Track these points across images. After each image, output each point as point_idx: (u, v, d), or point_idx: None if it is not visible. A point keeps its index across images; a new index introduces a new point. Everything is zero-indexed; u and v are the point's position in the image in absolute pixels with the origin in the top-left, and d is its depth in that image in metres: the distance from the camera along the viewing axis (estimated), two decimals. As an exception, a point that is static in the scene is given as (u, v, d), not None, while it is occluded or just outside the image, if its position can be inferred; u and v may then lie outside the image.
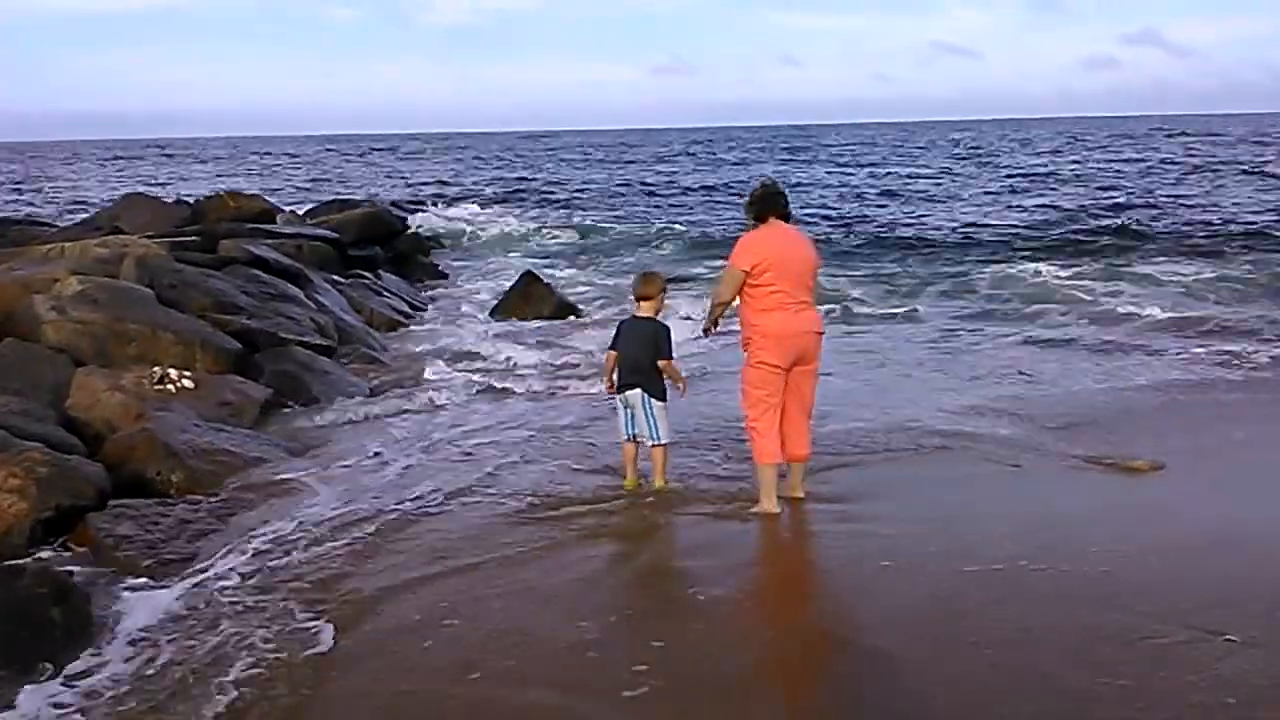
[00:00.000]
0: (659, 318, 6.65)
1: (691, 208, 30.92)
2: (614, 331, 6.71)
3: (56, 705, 4.12)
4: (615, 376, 6.51)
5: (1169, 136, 63.47)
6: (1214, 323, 12.32)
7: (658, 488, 6.48)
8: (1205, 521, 5.92)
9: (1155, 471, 6.80)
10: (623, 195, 35.89)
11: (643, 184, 40.04)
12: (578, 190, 38.28)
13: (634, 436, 6.49)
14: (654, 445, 6.46)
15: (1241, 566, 5.23)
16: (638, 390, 6.40)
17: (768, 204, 6.13)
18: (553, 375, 10.19)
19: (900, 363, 10.64)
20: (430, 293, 16.46)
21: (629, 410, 6.45)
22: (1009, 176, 36.95)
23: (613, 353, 6.55)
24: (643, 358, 6.41)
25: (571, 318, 13.80)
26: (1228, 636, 4.42)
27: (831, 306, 13.38)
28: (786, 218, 6.15)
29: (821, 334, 6.14)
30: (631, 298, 6.87)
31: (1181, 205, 25.65)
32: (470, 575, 5.29)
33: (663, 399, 6.44)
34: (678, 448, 6.85)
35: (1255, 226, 21.14)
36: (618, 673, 4.28)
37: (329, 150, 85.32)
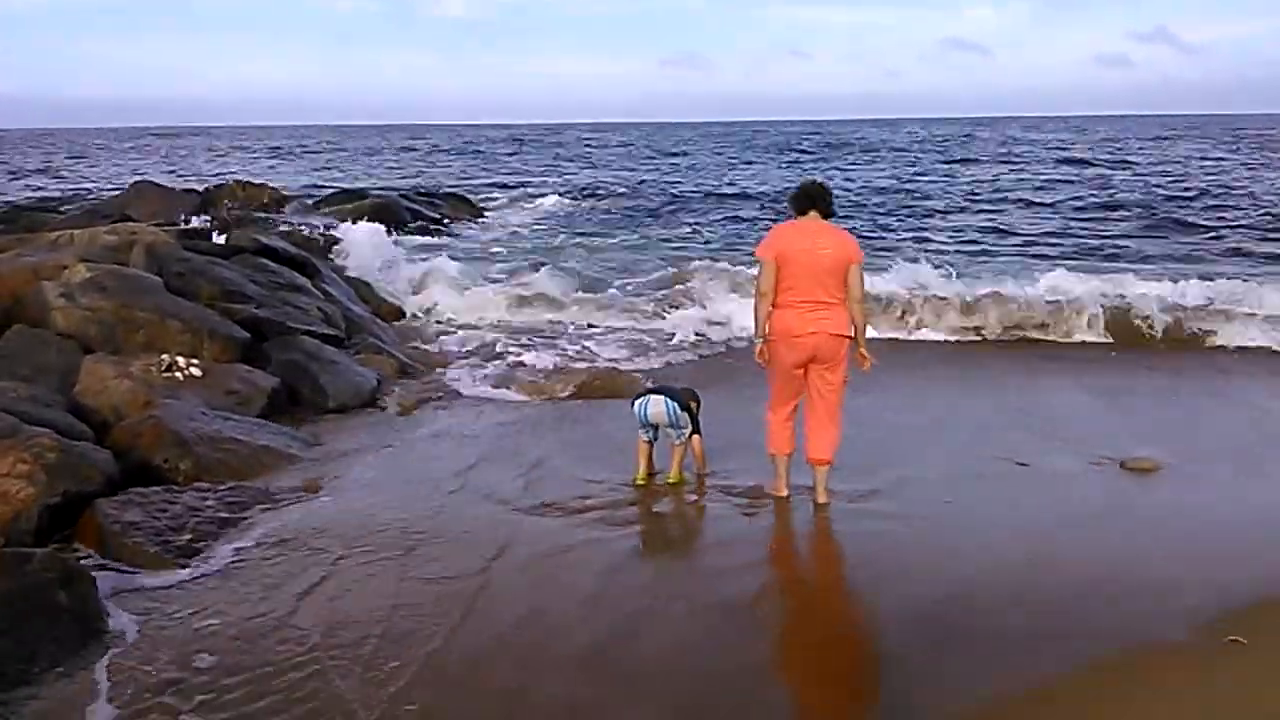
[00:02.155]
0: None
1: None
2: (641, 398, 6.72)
3: (66, 690, 4.14)
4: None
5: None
6: None
7: (671, 480, 6.55)
8: (1213, 521, 5.92)
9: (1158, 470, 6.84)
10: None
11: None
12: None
13: (652, 439, 6.58)
14: (676, 443, 6.56)
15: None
16: (663, 397, 6.50)
17: (806, 199, 6.11)
18: (562, 368, 10.18)
19: None
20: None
21: (650, 426, 6.53)
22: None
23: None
24: (680, 396, 6.56)
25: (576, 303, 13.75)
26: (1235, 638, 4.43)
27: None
28: (827, 214, 6.12)
29: (840, 336, 5.97)
30: None
31: None
32: (487, 569, 5.30)
33: (685, 410, 6.51)
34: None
35: None
36: (636, 664, 4.32)
37: (339, 140, 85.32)
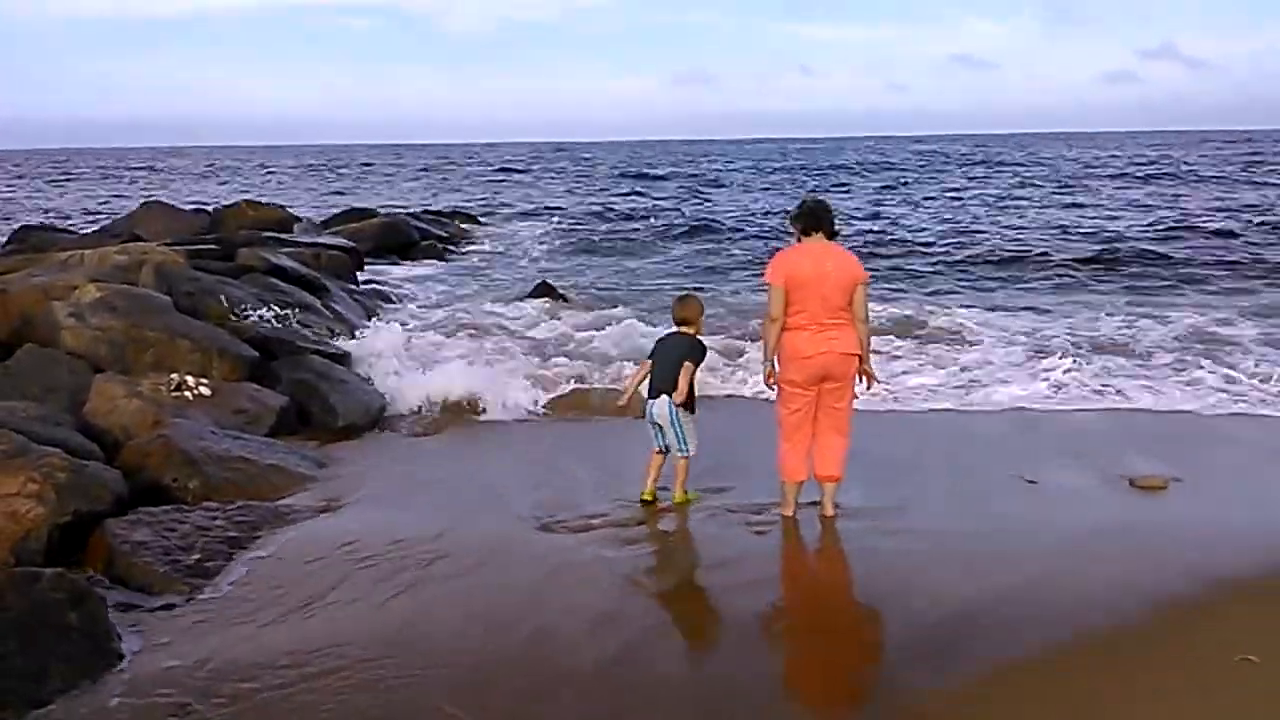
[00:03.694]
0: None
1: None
2: (652, 345, 6.69)
3: (77, 711, 4.12)
4: (646, 387, 6.49)
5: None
6: None
7: (677, 500, 6.48)
8: (1224, 538, 5.88)
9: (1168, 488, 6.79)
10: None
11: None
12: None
13: (664, 448, 6.48)
14: (681, 457, 6.45)
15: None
16: (664, 398, 6.33)
17: (812, 219, 6.11)
18: (566, 388, 10.13)
19: None
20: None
21: (656, 425, 6.42)
22: None
23: (647, 361, 6.55)
24: (674, 366, 6.33)
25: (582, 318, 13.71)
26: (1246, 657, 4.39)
27: None
28: (831, 235, 6.13)
29: (851, 355, 5.99)
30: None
31: None
32: (500, 585, 5.30)
33: (691, 410, 6.39)
34: (707, 461, 6.81)
35: None
36: (645, 680, 4.31)
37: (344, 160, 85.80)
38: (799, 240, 6.14)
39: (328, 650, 4.55)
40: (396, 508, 6.52)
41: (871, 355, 6.22)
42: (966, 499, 6.64)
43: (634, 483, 6.66)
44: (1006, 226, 25.00)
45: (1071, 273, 17.97)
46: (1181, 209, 27.94)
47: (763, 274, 6.23)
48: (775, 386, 6.17)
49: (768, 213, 29.51)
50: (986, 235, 23.32)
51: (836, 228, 6.19)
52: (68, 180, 57.37)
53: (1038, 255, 19.74)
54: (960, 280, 17.74)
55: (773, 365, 6.12)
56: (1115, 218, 26.20)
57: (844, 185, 42.64)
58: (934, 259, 20.03)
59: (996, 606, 4.95)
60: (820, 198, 6.43)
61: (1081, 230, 23.68)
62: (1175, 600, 5.01)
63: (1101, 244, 21.06)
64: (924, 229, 24.93)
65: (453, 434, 8.51)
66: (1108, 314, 13.64)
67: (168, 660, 4.50)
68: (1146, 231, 23.05)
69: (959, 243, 22.17)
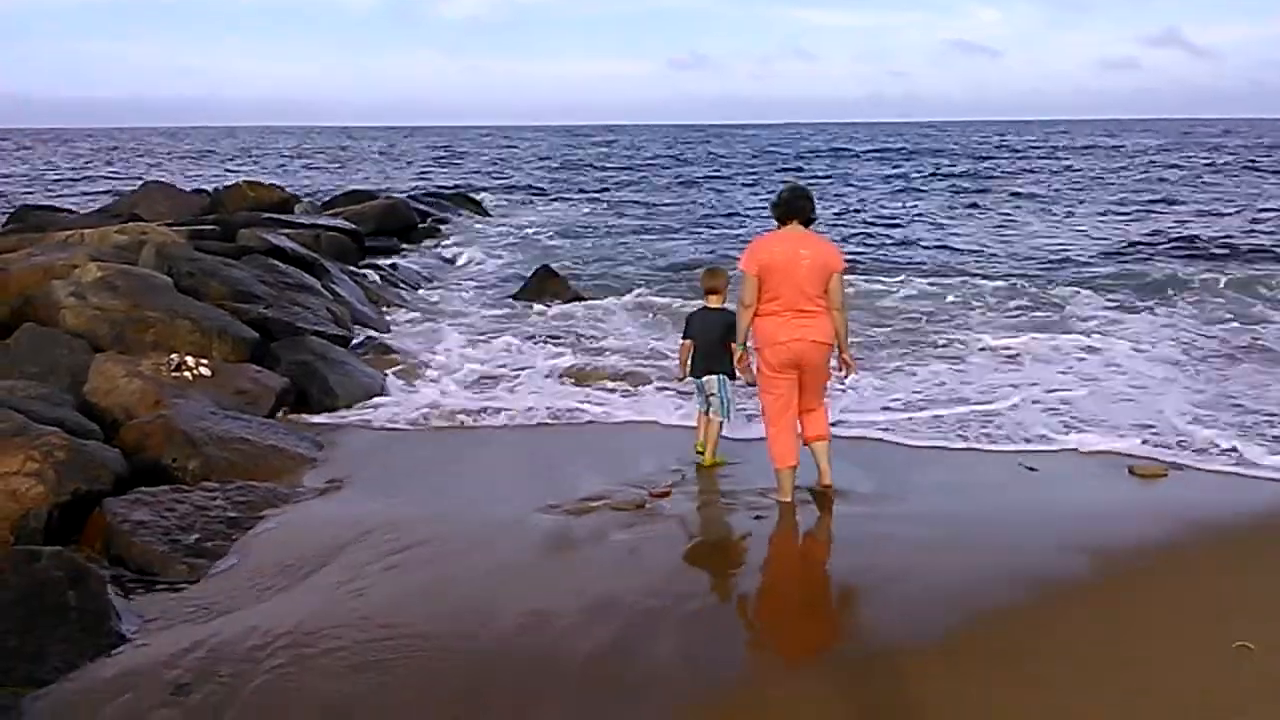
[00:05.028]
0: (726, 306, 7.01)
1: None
2: (685, 322, 7.18)
3: (76, 690, 4.13)
4: (690, 363, 7.01)
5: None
6: None
7: (707, 463, 6.88)
8: (1220, 525, 5.89)
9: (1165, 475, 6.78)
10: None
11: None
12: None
13: (708, 411, 6.93)
14: (719, 421, 6.91)
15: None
16: (715, 376, 6.85)
17: (790, 208, 6.13)
18: (571, 371, 10.10)
19: None
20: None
21: (706, 395, 6.91)
22: None
23: (687, 342, 7.02)
24: (717, 345, 6.84)
25: (583, 305, 13.72)
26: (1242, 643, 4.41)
27: None
28: (808, 222, 6.14)
29: (822, 344, 6.04)
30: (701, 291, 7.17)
31: None
32: (492, 569, 5.30)
33: (734, 377, 6.78)
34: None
35: None
36: (643, 665, 4.32)
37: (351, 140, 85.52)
38: (778, 228, 6.16)
39: (326, 631, 4.55)
40: (396, 490, 6.52)
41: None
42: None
43: (632, 471, 6.72)
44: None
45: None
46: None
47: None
48: (750, 371, 6.29)
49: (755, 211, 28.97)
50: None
51: (814, 215, 6.20)
52: (67, 161, 57.20)
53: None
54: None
55: (746, 350, 6.21)
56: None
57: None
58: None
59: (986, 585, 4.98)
60: (799, 185, 6.39)
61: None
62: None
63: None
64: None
65: (451, 415, 8.48)
66: None
67: (166, 640, 4.51)
68: None
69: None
